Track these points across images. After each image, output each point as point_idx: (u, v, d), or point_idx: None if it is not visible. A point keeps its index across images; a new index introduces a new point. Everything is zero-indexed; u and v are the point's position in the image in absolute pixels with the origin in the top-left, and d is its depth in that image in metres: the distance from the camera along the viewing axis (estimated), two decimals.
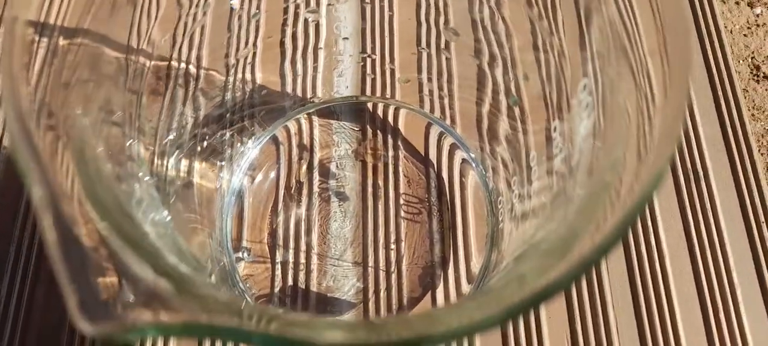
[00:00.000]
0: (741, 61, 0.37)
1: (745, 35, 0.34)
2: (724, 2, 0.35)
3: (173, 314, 0.09)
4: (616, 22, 0.13)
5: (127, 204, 0.13)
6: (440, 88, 0.26)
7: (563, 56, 0.16)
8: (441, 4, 0.22)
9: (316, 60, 0.25)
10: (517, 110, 0.21)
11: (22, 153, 0.11)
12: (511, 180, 0.22)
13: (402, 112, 0.27)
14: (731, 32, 0.35)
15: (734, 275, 0.26)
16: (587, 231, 0.11)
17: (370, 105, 0.28)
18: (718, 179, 0.28)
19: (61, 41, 0.15)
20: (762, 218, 0.27)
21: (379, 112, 0.28)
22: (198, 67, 0.24)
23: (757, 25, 0.34)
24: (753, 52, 0.34)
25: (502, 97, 0.21)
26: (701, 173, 0.28)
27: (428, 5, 0.24)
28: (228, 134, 0.26)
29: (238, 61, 0.23)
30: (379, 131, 0.27)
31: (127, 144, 0.18)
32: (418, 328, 0.10)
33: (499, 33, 0.20)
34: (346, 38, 0.25)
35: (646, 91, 0.12)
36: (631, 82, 0.12)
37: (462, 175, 0.26)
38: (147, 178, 0.20)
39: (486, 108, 0.23)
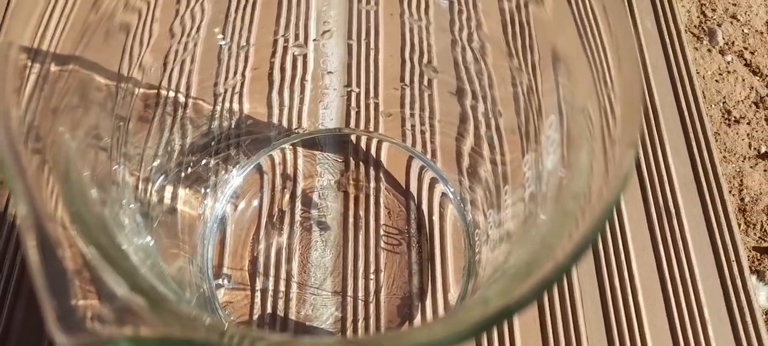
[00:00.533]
0: (713, 106, 0.38)
1: (716, 81, 0.36)
2: (697, 49, 0.36)
3: (149, 328, 0.10)
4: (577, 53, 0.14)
5: (110, 227, 0.13)
6: (422, 123, 0.27)
7: (532, 93, 0.17)
8: (424, 44, 0.23)
9: (302, 91, 0.26)
10: (494, 145, 0.21)
11: (10, 172, 0.11)
12: (487, 212, 0.23)
13: (384, 145, 0.28)
14: (704, 78, 0.36)
15: (705, 310, 0.27)
16: (549, 257, 0.12)
17: (353, 137, 0.29)
18: (690, 217, 0.29)
19: (53, 67, 0.16)
20: (732, 256, 0.28)
21: (362, 144, 0.29)
22: (186, 95, 0.25)
23: (728, 72, 0.35)
24: (724, 98, 0.36)
25: (479, 132, 0.22)
26: (673, 211, 0.29)
27: (412, 45, 0.25)
28: (213, 162, 0.26)
29: (226, 90, 0.24)
30: (361, 163, 0.28)
31: (113, 169, 0.19)
32: (388, 343, 0.10)
33: (477, 72, 0.21)
34: (331, 72, 0.25)
35: (607, 95, 0.13)
36: (594, 94, 0.13)
37: (441, 208, 0.27)
38: (132, 204, 0.20)
39: (465, 143, 0.24)
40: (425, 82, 0.26)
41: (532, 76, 0.17)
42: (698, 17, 0.37)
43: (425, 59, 0.23)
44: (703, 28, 0.36)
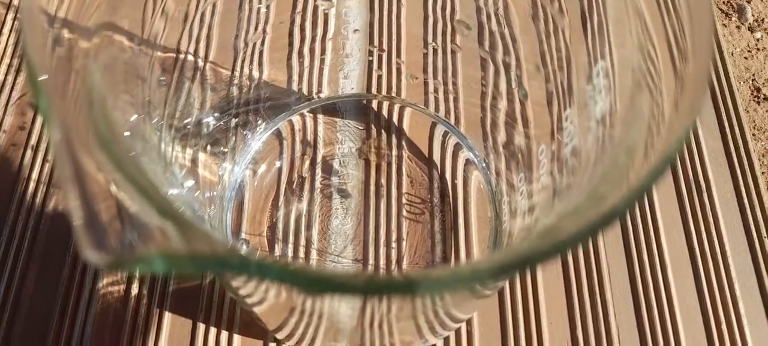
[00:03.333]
0: (742, 83, 0.37)
1: (745, 58, 0.35)
2: (726, 26, 0.35)
3: (180, 246, 0.09)
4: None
5: (138, 161, 0.13)
6: (446, 86, 0.26)
7: (570, 44, 0.16)
8: None
9: (323, 52, 0.25)
10: (524, 105, 0.21)
11: (44, 97, 0.11)
12: (518, 178, 0.22)
13: (407, 111, 0.27)
14: (732, 55, 0.35)
15: (736, 286, 0.26)
16: (603, 203, 0.11)
17: (374, 104, 0.28)
18: (721, 193, 0.28)
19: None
20: (764, 233, 0.27)
21: (384, 111, 0.28)
22: (205, 58, 0.24)
23: (758, 49, 0.34)
24: (753, 75, 0.35)
25: (508, 92, 0.21)
26: (703, 186, 0.28)
27: None
28: (232, 126, 0.26)
29: (247, 45, 0.23)
30: (383, 130, 0.27)
31: (137, 121, 0.18)
32: (412, 277, 0.10)
33: (507, 22, 0.20)
34: (357, 30, 0.25)
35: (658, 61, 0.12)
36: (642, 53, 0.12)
37: (465, 175, 0.26)
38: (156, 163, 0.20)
39: (493, 103, 0.23)
40: (450, 39, 0.25)
41: (568, 21, 0.16)
42: None
43: (449, 11, 0.22)
44: (731, 5, 0.35)
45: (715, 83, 0.31)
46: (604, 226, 0.11)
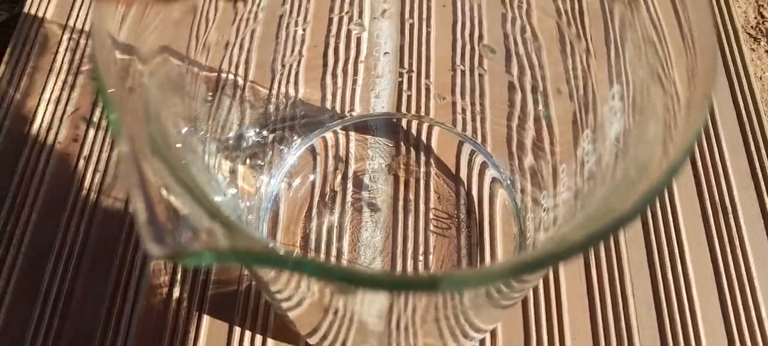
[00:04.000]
0: None
1: None
2: (754, 50, 0.36)
3: (227, 244, 0.10)
4: (647, 29, 0.14)
5: (189, 169, 0.14)
6: (473, 107, 0.27)
7: (590, 68, 0.17)
8: (476, 21, 0.24)
9: (355, 73, 0.27)
10: (546, 124, 0.22)
11: (109, 103, 0.12)
12: (541, 195, 0.23)
13: (435, 130, 0.28)
14: (761, 79, 0.35)
15: (762, 308, 0.26)
16: (622, 205, 0.12)
17: (404, 122, 0.29)
18: (747, 215, 0.28)
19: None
20: None
21: (413, 129, 0.29)
22: (245, 77, 0.26)
23: None
24: None
25: (532, 113, 0.22)
26: (730, 208, 0.28)
27: (463, 23, 0.25)
28: (269, 141, 0.27)
29: (284, 67, 0.25)
30: (412, 148, 0.29)
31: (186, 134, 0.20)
32: (436, 275, 0.11)
33: (532, 46, 0.21)
34: (387, 53, 0.26)
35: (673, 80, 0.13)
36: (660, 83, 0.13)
37: (491, 193, 0.27)
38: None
39: (517, 124, 0.24)
40: (477, 62, 0.26)
41: (589, 46, 0.17)
42: (755, 18, 0.36)
43: (477, 34, 0.24)
44: (760, 29, 0.36)
45: (742, 106, 0.32)
46: (611, 231, 0.12)
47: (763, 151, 0.30)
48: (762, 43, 0.36)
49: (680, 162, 0.11)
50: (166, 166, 0.12)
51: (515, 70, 0.22)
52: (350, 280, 0.10)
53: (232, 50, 0.22)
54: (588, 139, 0.18)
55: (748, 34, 0.37)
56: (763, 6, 0.37)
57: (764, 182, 0.29)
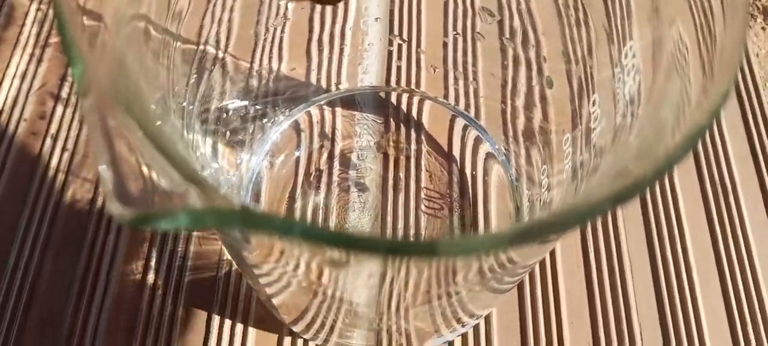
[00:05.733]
0: (767, 85, 0.37)
1: None
2: (751, 27, 0.35)
3: (202, 203, 0.09)
4: None
5: (162, 124, 0.12)
6: (466, 77, 0.25)
7: (590, 28, 0.16)
8: None
9: (343, 42, 0.25)
10: (546, 93, 0.20)
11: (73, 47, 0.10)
12: (540, 170, 0.22)
13: (426, 104, 0.27)
14: (758, 56, 0.34)
15: (762, 288, 0.25)
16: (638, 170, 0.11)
17: (394, 97, 0.28)
18: (747, 194, 0.27)
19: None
20: None
21: (403, 105, 0.27)
22: (225, 49, 0.24)
23: None
24: None
25: (529, 80, 0.21)
26: (730, 187, 0.28)
27: None
28: (251, 116, 0.26)
29: (268, 31, 0.23)
30: (402, 124, 0.27)
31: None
32: (434, 241, 0.09)
33: (529, 11, 0.19)
34: (378, 19, 0.24)
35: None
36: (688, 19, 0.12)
37: (486, 169, 0.26)
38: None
39: (513, 93, 0.23)
40: (471, 27, 0.25)
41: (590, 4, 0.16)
42: None
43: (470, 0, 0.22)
44: (757, 6, 0.35)
45: (741, 84, 0.31)
46: (626, 198, 0.10)
47: (763, 128, 0.29)
48: (758, 20, 0.35)
49: (720, 104, 0.10)
50: (135, 121, 0.11)
51: (511, 35, 0.21)
52: (343, 243, 0.08)
53: (212, 9, 0.21)
54: (595, 103, 0.16)
55: None
56: None
57: (764, 160, 0.29)
